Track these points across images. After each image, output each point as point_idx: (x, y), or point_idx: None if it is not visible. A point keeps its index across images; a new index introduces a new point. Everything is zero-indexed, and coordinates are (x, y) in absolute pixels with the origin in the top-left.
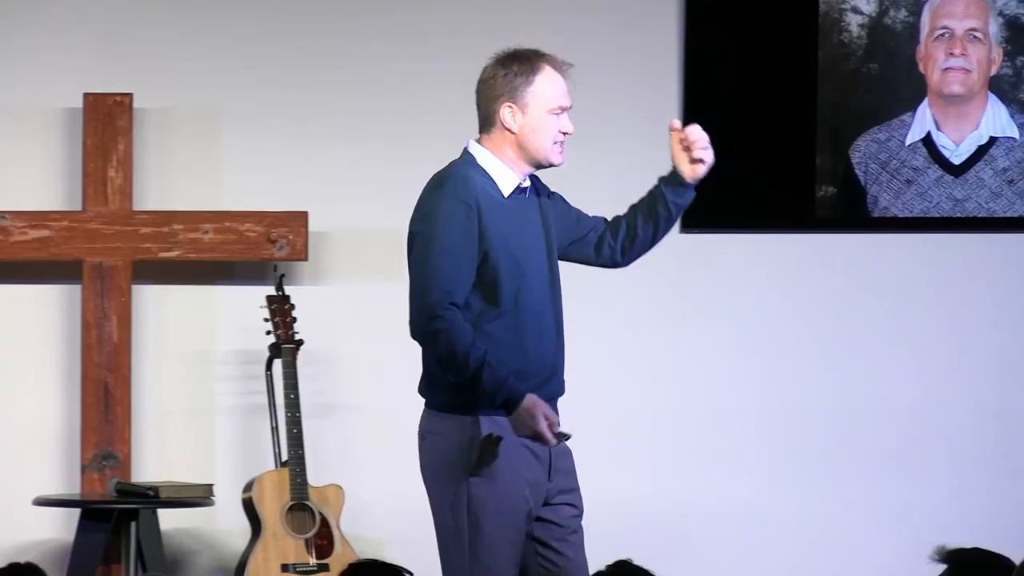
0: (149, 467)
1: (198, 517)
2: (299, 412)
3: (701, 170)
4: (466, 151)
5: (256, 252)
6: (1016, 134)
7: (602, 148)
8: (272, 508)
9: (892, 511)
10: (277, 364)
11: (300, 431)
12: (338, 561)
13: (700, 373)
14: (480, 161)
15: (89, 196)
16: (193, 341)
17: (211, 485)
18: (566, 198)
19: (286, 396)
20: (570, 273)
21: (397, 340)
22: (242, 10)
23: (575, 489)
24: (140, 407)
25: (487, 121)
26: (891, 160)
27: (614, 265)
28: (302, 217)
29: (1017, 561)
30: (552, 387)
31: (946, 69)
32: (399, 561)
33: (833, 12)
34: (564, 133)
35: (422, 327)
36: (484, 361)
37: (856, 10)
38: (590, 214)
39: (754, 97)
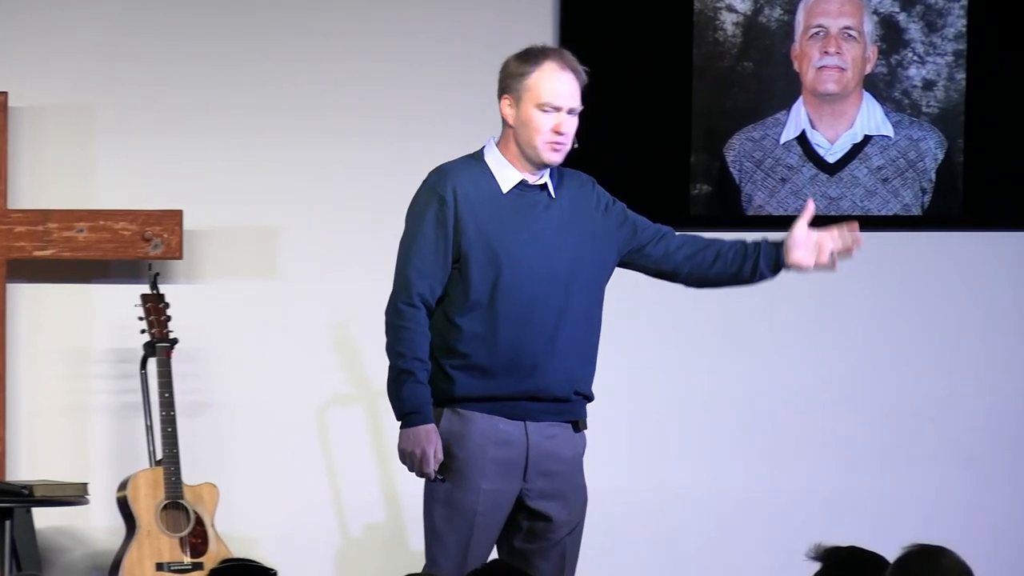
0: (23, 466)
1: (73, 516)
2: (173, 411)
3: (811, 267)
4: (484, 146)
5: (131, 251)
6: (891, 132)
7: (478, 141)
8: (147, 507)
9: (867, 506)
10: (152, 363)
11: (174, 430)
12: (212, 559)
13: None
14: (486, 155)
15: None
16: (68, 339)
17: (86, 484)
18: (627, 209)
19: (160, 395)
20: None
21: (271, 338)
22: (116, 8)
23: (564, 497)
24: (14, 406)
25: (501, 116)
26: (766, 158)
27: (675, 278)
28: (176, 216)
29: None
30: (527, 385)
31: (821, 67)
32: (274, 558)
33: (708, 10)
34: (557, 133)
35: (385, 315)
36: (411, 372)
37: (731, 8)
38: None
39: (628, 95)
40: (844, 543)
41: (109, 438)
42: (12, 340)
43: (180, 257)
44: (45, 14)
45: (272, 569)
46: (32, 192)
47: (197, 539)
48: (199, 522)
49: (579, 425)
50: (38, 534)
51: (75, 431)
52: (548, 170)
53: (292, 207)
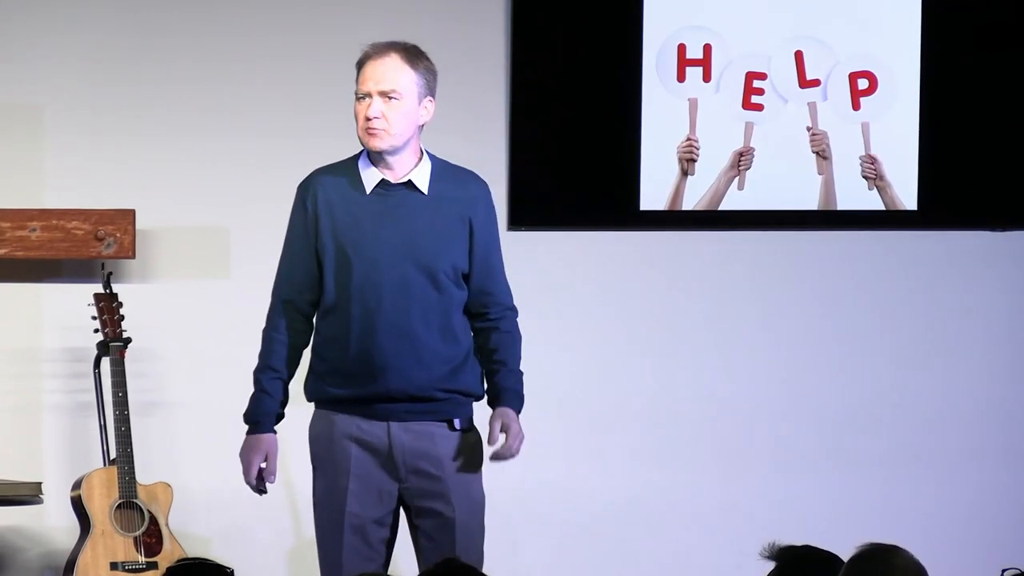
0: None
1: (26, 515)
2: (127, 410)
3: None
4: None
5: (83, 250)
6: None
7: (426, 146)
8: (101, 506)
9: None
10: (105, 362)
11: (128, 429)
12: (167, 559)
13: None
14: (359, 158)
15: None
16: (20, 339)
17: (39, 483)
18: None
19: (114, 394)
20: None
21: (224, 337)
22: (65, 5)
23: (444, 495)
24: None
25: None
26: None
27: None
28: (129, 215)
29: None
30: (380, 387)
31: None
32: (228, 558)
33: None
34: (367, 119)
35: None
36: (257, 380)
37: None
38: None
39: (579, 97)
40: (799, 543)
41: (63, 437)
42: None
43: (133, 256)
44: None
45: (228, 568)
46: None
47: (151, 538)
48: (153, 521)
49: (454, 424)
50: None
51: (28, 430)
52: (417, 167)
53: (244, 207)
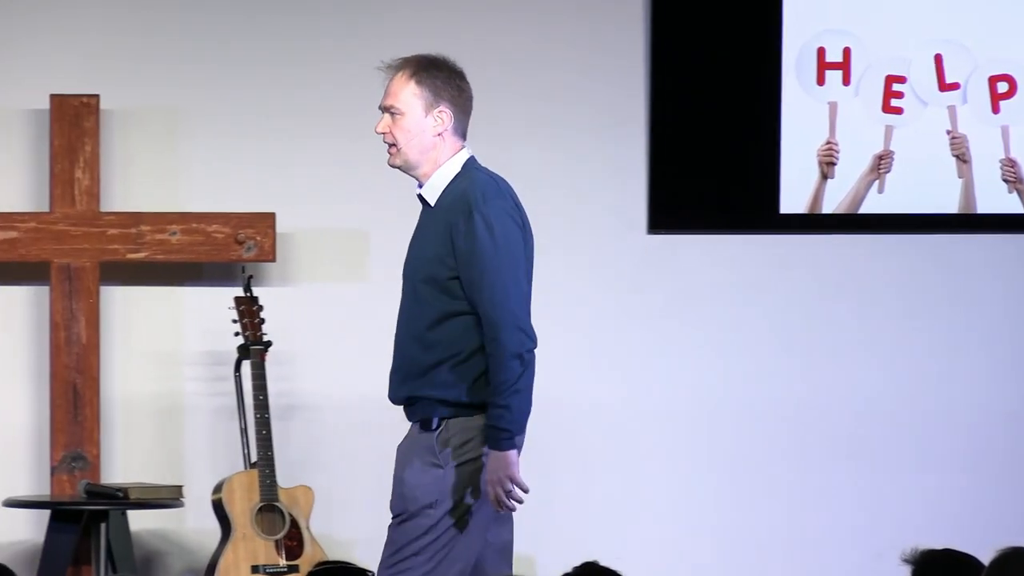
0: (118, 468)
1: (168, 518)
2: (268, 413)
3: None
4: None
5: (224, 253)
6: None
7: (564, 151)
8: (242, 509)
9: (856, 507)
10: (246, 365)
11: (269, 432)
12: (308, 562)
13: (664, 373)
14: None
15: (56, 197)
16: (161, 342)
17: (180, 486)
18: (466, 255)
19: (255, 397)
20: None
21: (363, 340)
22: (207, 11)
23: (396, 485)
24: (109, 408)
25: None
26: None
27: None
28: (270, 218)
29: (986, 562)
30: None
31: None
32: (370, 560)
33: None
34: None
35: None
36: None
37: None
38: (535, 219)
39: (719, 101)
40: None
41: (203, 441)
42: (105, 342)
43: (273, 260)
44: (136, 17)
45: (369, 571)
46: (123, 195)
47: (292, 541)
48: (294, 524)
49: (425, 424)
50: (133, 537)
51: (170, 434)
52: (431, 179)
53: (383, 209)
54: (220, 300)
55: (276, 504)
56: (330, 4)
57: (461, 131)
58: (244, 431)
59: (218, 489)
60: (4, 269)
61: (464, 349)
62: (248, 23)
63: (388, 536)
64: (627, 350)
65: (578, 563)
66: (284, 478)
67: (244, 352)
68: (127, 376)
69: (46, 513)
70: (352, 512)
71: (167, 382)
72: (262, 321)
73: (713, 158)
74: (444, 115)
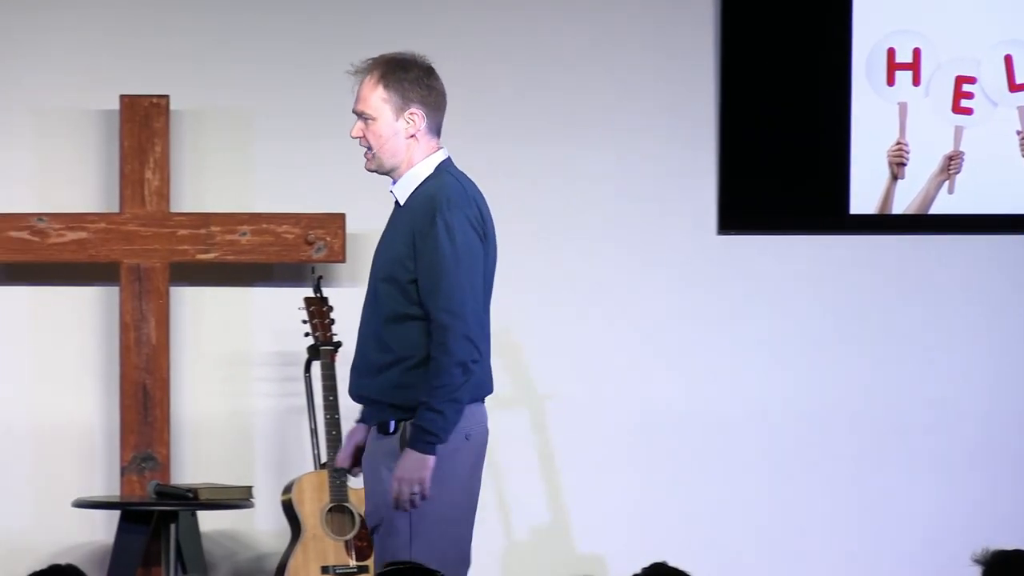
0: (188, 468)
1: (238, 519)
2: (338, 414)
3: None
4: None
5: (293, 254)
6: None
7: (636, 153)
8: (312, 510)
9: (934, 510)
10: (315, 366)
11: (339, 433)
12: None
13: (733, 374)
14: None
15: (126, 198)
16: (230, 343)
17: (250, 487)
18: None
19: (325, 398)
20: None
21: None
22: (277, 12)
23: (369, 496)
24: (179, 409)
25: None
26: None
27: None
28: (339, 219)
29: None
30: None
31: None
32: None
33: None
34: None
35: None
36: None
37: None
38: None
39: (789, 102)
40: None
41: (273, 441)
42: (175, 343)
43: (343, 260)
44: (206, 17)
45: (439, 572)
46: (193, 195)
47: (362, 542)
48: (364, 525)
49: (382, 428)
50: (203, 537)
51: (239, 434)
52: (404, 178)
53: None
54: (290, 301)
55: (346, 505)
56: (399, 5)
57: (435, 129)
58: (314, 432)
59: (288, 490)
60: (74, 269)
61: (416, 355)
62: (318, 24)
63: (375, 549)
64: (696, 350)
65: (647, 564)
66: (354, 479)
67: (314, 353)
68: (196, 377)
69: (116, 514)
70: None
71: (237, 383)
72: (332, 322)
73: (783, 159)
74: (416, 116)
